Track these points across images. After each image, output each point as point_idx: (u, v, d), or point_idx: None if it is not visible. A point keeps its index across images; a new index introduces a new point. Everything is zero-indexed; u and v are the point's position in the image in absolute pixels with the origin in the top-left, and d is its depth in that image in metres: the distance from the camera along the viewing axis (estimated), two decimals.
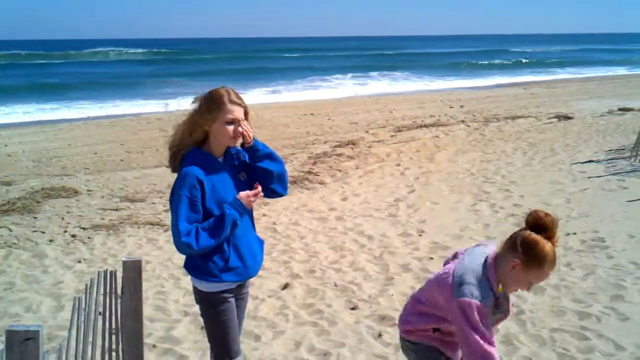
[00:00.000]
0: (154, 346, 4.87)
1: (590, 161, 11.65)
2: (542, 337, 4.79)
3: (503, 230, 7.61)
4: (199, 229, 3.10)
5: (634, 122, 16.09)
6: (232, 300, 3.36)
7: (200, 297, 3.36)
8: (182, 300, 5.82)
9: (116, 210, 9.32)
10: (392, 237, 7.62)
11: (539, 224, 2.72)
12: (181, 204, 3.09)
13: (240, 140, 3.29)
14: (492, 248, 2.93)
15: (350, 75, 43.07)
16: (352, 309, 5.52)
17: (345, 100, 26.06)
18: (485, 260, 2.82)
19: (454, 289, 2.75)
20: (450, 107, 21.61)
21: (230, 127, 3.19)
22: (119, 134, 17.00)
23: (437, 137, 15.27)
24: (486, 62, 55.29)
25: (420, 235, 7.62)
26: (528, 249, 2.70)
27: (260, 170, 3.36)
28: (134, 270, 3.77)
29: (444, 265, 3.15)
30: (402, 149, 13.68)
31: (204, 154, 3.24)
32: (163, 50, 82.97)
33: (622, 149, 12.62)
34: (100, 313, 3.48)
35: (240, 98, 3.24)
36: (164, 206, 9.47)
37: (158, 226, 8.42)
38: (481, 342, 2.66)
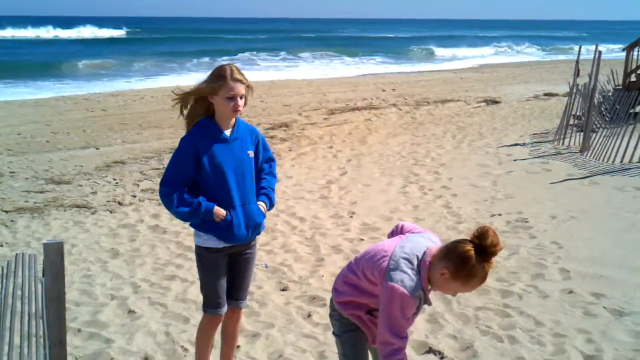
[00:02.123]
0: (79, 330, 4.76)
1: (516, 144, 12.00)
2: (466, 315, 4.92)
3: (432, 212, 7.78)
4: (180, 197, 3.49)
5: (558, 106, 16.64)
6: (220, 258, 3.65)
7: (195, 249, 3.71)
8: (109, 284, 5.69)
9: (41, 192, 9.03)
10: (323, 218, 7.67)
11: (483, 244, 2.66)
12: (172, 163, 3.54)
13: (239, 114, 3.59)
14: (435, 244, 2.90)
15: (281, 56, 42.91)
16: (283, 290, 5.53)
17: (278, 82, 25.95)
18: (424, 255, 2.81)
19: (387, 272, 2.75)
20: (383, 91, 21.84)
21: (231, 102, 3.47)
22: (44, 114, 16.44)
23: (369, 120, 15.42)
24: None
25: (351, 217, 7.69)
26: (460, 263, 2.68)
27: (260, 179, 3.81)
28: (56, 253, 3.65)
29: (389, 236, 3.16)
30: (334, 132, 13.75)
31: (212, 124, 3.55)
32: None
33: (546, 133, 13.05)
34: (20, 297, 3.37)
35: (242, 75, 3.51)
36: (92, 188, 9.24)
37: (85, 209, 8.21)
38: (390, 333, 2.71)
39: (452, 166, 10.29)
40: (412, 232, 3.06)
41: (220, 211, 3.53)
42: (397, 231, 3.18)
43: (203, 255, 3.65)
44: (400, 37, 79.59)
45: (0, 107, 17.80)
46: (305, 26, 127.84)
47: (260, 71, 32.01)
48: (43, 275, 3.62)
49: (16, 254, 3.23)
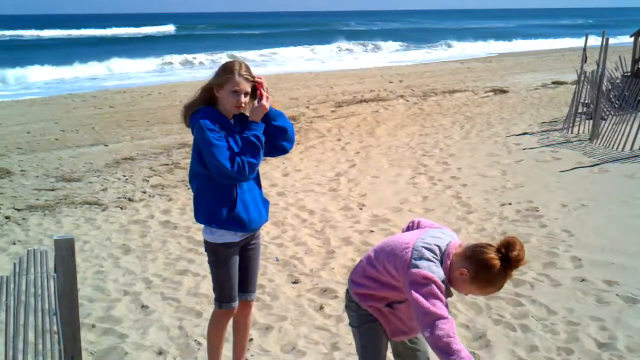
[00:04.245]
0: (93, 326, 4.79)
1: (524, 133, 11.95)
2: (478, 304, 4.92)
3: (441, 202, 7.77)
4: (240, 157, 3.43)
5: (566, 95, 16.56)
6: (235, 252, 3.69)
7: (207, 246, 3.71)
8: (121, 280, 5.72)
9: (52, 190, 9.07)
10: (333, 211, 7.67)
11: (509, 256, 2.63)
12: (213, 143, 3.39)
13: (241, 110, 3.58)
14: (455, 241, 2.87)
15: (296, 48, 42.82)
16: (294, 282, 5.55)
17: (284, 75, 25.93)
18: (447, 247, 2.78)
19: (412, 262, 2.71)
20: (390, 82, 21.79)
21: (234, 97, 3.49)
22: (53, 113, 16.50)
23: (377, 112, 15.39)
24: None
25: (360, 209, 7.69)
26: (482, 269, 2.66)
27: (274, 128, 3.62)
28: (67, 249, 3.68)
29: (404, 231, 3.15)
30: (342, 124, 13.74)
31: (216, 112, 3.54)
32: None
33: (555, 121, 13.00)
34: (33, 294, 3.39)
35: (249, 73, 3.52)
36: (102, 185, 9.28)
37: (96, 205, 8.24)
38: (427, 317, 2.60)
39: (461, 156, 10.27)
40: (431, 227, 3.05)
41: (255, 106, 3.53)
42: (413, 226, 3.17)
43: (219, 250, 3.66)
44: (408, 28, 79.24)
45: (10, 106, 17.89)
46: (319, 19, 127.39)
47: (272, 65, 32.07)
48: (55, 272, 3.64)
49: (28, 251, 3.25)
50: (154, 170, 10.20)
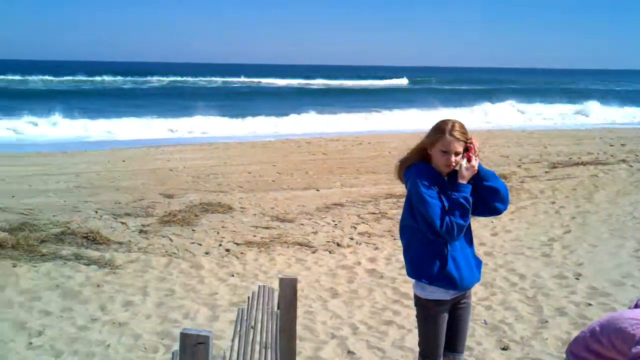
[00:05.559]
0: None
1: None
2: None
3: None
4: (449, 217, 3.42)
5: None
6: (445, 310, 3.65)
7: (417, 301, 3.72)
8: (329, 323, 5.87)
9: (267, 228, 9.62)
10: (545, 277, 7.26)
11: None
12: (425, 199, 3.44)
13: (451, 169, 3.55)
14: None
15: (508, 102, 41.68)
16: (503, 349, 5.31)
17: (496, 132, 25.40)
18: None
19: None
20: (611, 146, 20.40)
21: (444, 157, 3.49)
22: (270, 156, 17.63)
23: (595, 175, 14.44)
24: None
25: (577, 279, 7.19)
26: None
27: (486, 189, 3.58)
28: (290, 287, 3.87)
29: (630, 309, 2.96)
30: (557, 186, 13.06)
31: (430, 169, 3.56)
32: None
33: None
34: (252, 327, 3.58)
35: (463, 133, 3.51)
36: (312, 228, 9.66)
37: (306, 247, 8.59)
38: None
39: None
40: None
41: (465, 167, 3.50)
42: None
43: (429, 307, 3.64)
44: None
45: (234, 147, 19.44)
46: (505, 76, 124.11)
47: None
48: (278, 308, 3.83)
49: (259, 286, 3.46)
50: (361, 217, 10.42)
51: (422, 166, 3.57)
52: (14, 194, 11.66)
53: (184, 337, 2.36)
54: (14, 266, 7.44)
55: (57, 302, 6.47)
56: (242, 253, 8.25)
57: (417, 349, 3.92)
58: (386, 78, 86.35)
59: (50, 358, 5.21)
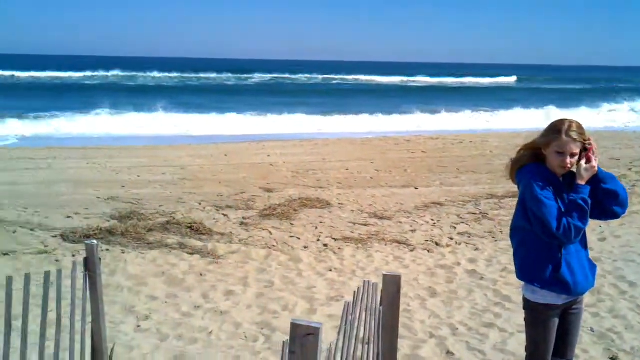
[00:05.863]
0: None
1: None
2: None
3: None
4: (566, 219, 3.30)
5: None
6: (556, 315, 3.54)
7: (526, 304, 3.62)
8: (427, 322, 5.80)
9: (365, 225, 9.63)
10: None
11: None
12: (541, 200, 3.32)
13: (567, 171, 3.44)
14: None
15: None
16: (612, 358, 5.07)
17: (605, 133, 24.29)
18: None
19: None
20: None
21: (559, 158, 3.38)
22: (368, 153, 17.62)
23: None
24: None
25: None
26: None
27: (604, 192, 3.44)
28: (393, 284, 3.86)
29: None
30: None
31: (544, 169, 3.46)
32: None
33: None
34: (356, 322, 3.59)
35: (580, 134, 3.38)
36: (411, 226, 9.59)
37: (404, 245, 8.53)
38: None
39: None
40: None
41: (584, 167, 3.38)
42: None
43: (539, 311, 3.54)
44: None
45: (333, 143, 19.57)
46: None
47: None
48: (381, 305, 3.82)
49: (363, 282, 3.46)
50: (461, 217, 10.24)
51: (536, 167, 3.47)
52: (123, 184, 12.26)
53: (295, 327, 2.39)
54: (123, 252, 7.83)
55: (162, 288, 6.74)
56: (339, 248, 8.30)
57: (520, 353, 3.84)
58: (492, 76, 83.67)
59: (157, 341, 5.43)
